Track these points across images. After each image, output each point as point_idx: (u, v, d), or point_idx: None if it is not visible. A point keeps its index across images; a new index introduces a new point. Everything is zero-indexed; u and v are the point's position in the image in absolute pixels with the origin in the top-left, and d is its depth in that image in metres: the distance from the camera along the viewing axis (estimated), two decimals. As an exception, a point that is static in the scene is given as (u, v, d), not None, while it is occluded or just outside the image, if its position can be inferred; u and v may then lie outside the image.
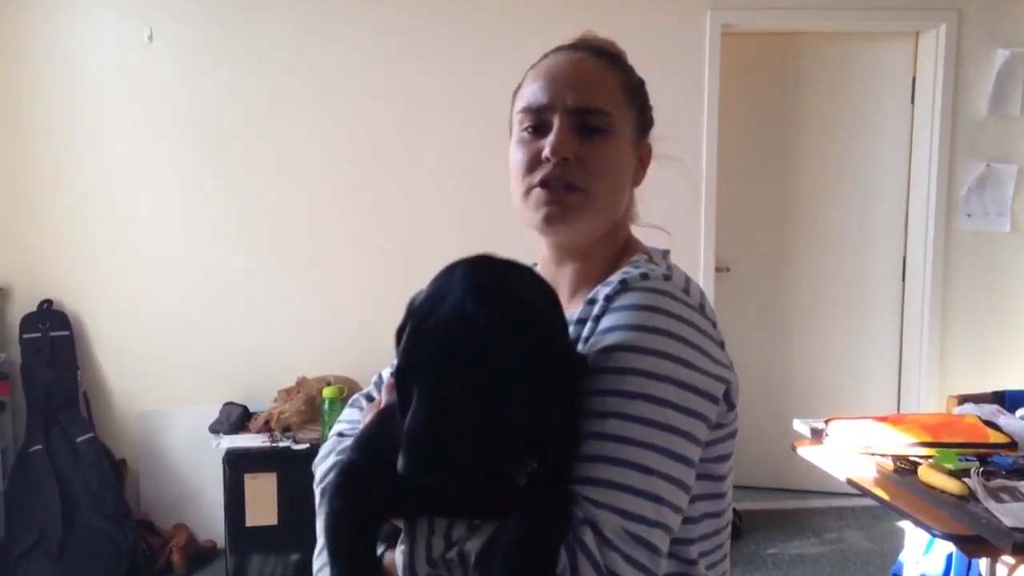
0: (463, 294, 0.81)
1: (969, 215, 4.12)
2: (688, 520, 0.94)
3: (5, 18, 3.72)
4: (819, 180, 4.31)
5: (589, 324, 0.95)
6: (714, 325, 0.97)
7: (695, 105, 3.97)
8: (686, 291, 0.96)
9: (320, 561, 1.02)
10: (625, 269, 0.99)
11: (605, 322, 0.93)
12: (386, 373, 1.20)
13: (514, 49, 3.73)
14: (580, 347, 0.95)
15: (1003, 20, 4.06)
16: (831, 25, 4.13)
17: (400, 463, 0.79)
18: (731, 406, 0.98)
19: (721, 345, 0.97)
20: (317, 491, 1.06)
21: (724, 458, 0.99)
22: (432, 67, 3.90)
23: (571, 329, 0.97)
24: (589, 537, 0.82)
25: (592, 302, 0.97)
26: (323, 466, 1.08)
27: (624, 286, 0.94)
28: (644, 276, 0.95)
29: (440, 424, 0.79)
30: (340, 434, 1.12)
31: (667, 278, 0.96)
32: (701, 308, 0.96)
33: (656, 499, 0.86)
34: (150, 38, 3.78)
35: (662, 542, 0.87)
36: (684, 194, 3.46)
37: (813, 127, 4.29)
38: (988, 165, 4.09)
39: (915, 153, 4.21)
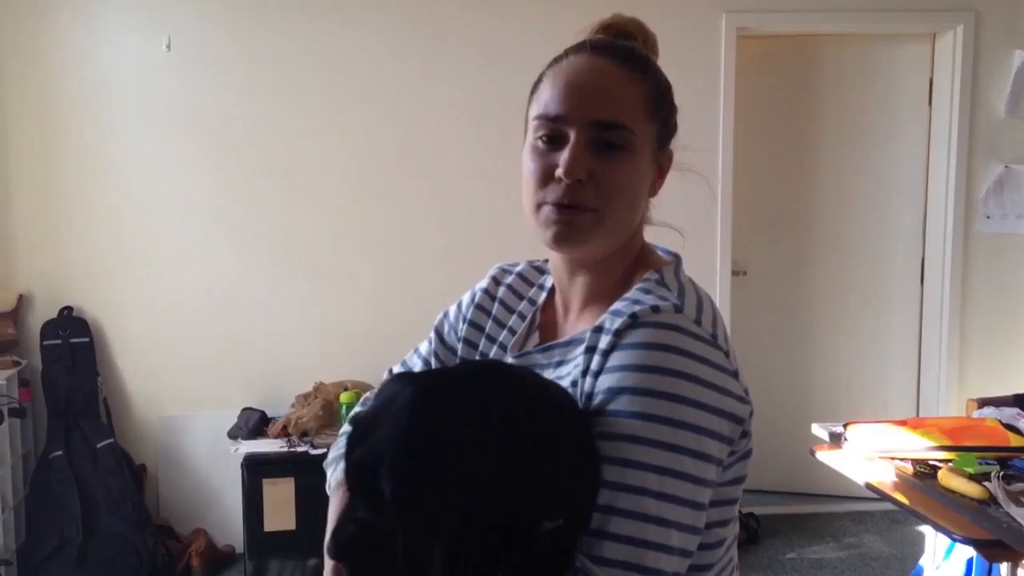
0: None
1: (988, 217, 4.09)
2: (706, 547, 0.93)
3: (27, 29, 3.77)
4: (836, 183, 4.29)
5: (597, 358, 0.92)
6: (727, 354, 0.93)
7: (711, 108, 3.96)
8: (698, 320, 0.93)
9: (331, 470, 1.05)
10: (635, 297, 0.95)
11: (614, 359, 0.90)
12: (397, 368, 1.20)
13: (523, 53, 3.77)
14: (589, 380, 0.92)
15: (1020, 21, 4.03)
16: (847, 27, 4.11)
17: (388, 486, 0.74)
18: (744, 433, 0.95)
19: (735, 375, 0.94)
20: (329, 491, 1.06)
21: (739, 480, 0.97)
22: (445, 73, 3.91)
23: (579, 358, 0.95)
24: None
25: (599, 330, 0.93)
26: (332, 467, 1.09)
27: (634, 320, 0.91)
28: (655, 309, 0.91)
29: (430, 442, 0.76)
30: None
31: (678, 309, 0.92)
32: (714, 339, 0.92)
33: (668, 550, 0.84)
34: (168, 47, 3.81)
35: None
36: (700, 198, 3.43)
37: (830, 130, 4.27)
38: (1007, 167, 4.06)
39: (933, 155, 4.18)
